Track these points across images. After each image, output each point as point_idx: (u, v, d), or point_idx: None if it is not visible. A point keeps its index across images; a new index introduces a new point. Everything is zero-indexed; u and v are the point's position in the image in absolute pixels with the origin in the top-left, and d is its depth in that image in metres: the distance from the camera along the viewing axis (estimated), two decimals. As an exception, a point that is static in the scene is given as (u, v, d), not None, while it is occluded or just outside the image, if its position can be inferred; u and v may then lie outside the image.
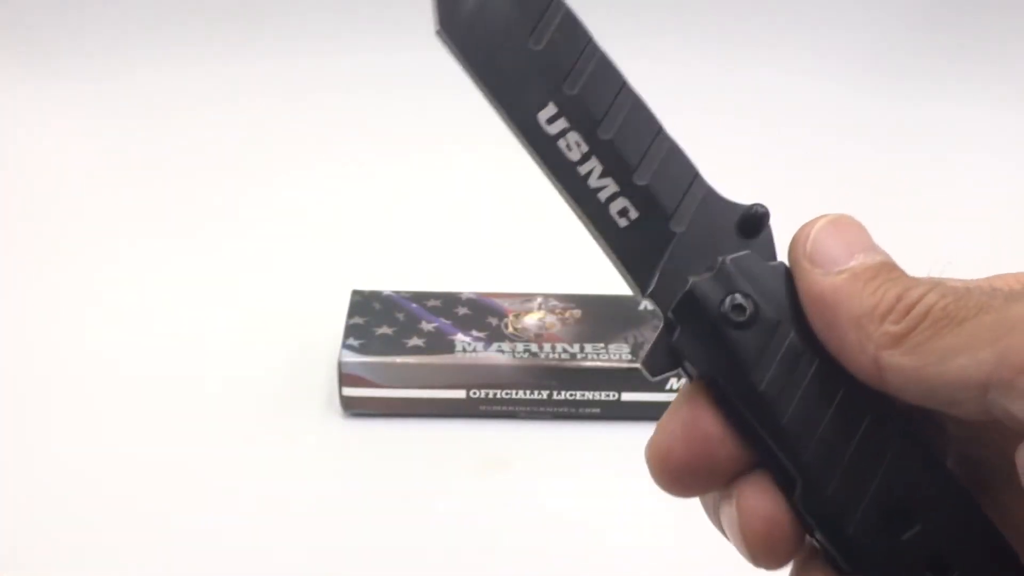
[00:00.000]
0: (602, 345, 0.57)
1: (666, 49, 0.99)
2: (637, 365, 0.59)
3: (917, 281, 0.23)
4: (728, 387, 0.24)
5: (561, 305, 0.60)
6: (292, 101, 0.93)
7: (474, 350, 0.56)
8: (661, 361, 0.25)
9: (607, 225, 0.25)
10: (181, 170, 0.83)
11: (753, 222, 0.25)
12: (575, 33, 0.25)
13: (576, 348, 0.56)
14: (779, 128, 0.91)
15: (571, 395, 0.56)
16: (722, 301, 0.24)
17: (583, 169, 0.25)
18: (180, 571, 0.48)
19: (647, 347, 0.26)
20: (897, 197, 0.80)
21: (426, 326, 0.58)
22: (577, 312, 0.59)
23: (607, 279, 0.68)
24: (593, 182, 0.25)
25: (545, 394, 0.56)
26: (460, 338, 0.57)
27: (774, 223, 0.25)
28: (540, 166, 0.25)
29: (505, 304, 0.60)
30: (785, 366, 0.24)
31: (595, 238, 0.25)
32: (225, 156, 0.84)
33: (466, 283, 0.62)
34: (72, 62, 0.93)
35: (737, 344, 0.24)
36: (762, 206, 0.25)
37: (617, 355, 0.56)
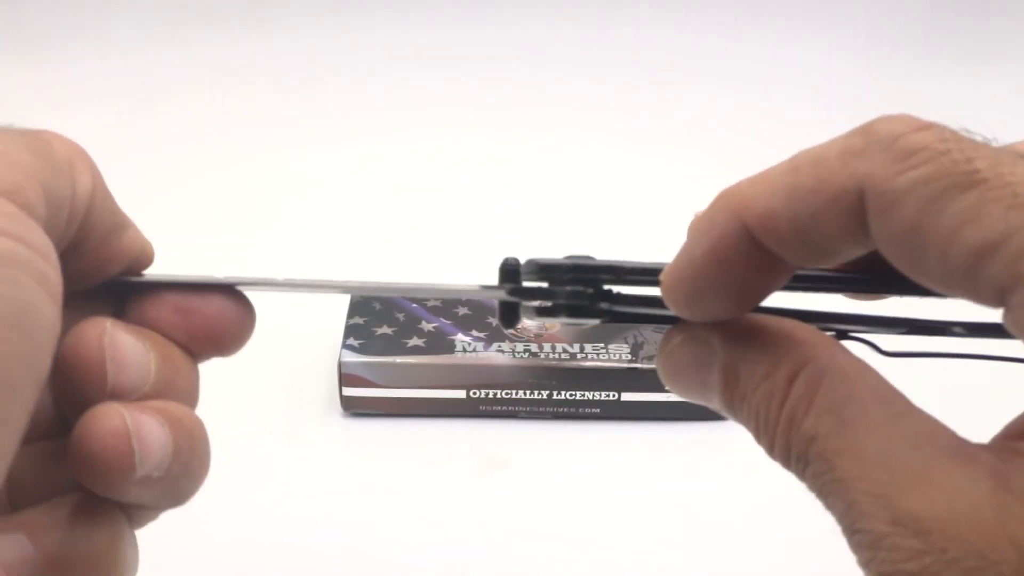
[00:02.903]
0: (602, 345, 0.57)
1: (678, 23, 1.00)
2: (637, 365, 0.59)
3: None
4: None
5: (561, 305, 0.60)
6: (290, 98, 0.93)
7: (474, 350, 0.56)
8: None
9: None
10: (178, 167, 0.83)
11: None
12: None
13: (576, 348, 0.56)
14: (789, 107, 0.91)
15: (571, 395, 0.56)
16: None
17: None
18: (179, 570, 0.48)
19: None
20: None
21: (426, 326, 0.58)
22: (577, 312, 0.59)
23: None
24: None
25: (545, 394, 0.56)
26: (460, 338, 0.57)
27: None
28: None
29: (505, 304, 0.60)
30: None
31: None
32: (223, 153, 0.84)
33: (466, 283, 0.62)
34: (61, 52, 0.93)
35: None
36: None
37: (617, 355, 0.56)
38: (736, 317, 0.24)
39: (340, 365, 0.55)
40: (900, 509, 0.19)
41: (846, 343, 0.24)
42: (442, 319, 0.58)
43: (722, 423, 0.56)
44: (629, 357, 0.56)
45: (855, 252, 0.21)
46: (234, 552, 0.49)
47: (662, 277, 0.24)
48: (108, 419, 0.23)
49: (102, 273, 0.26)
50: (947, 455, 0.20)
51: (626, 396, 0.56)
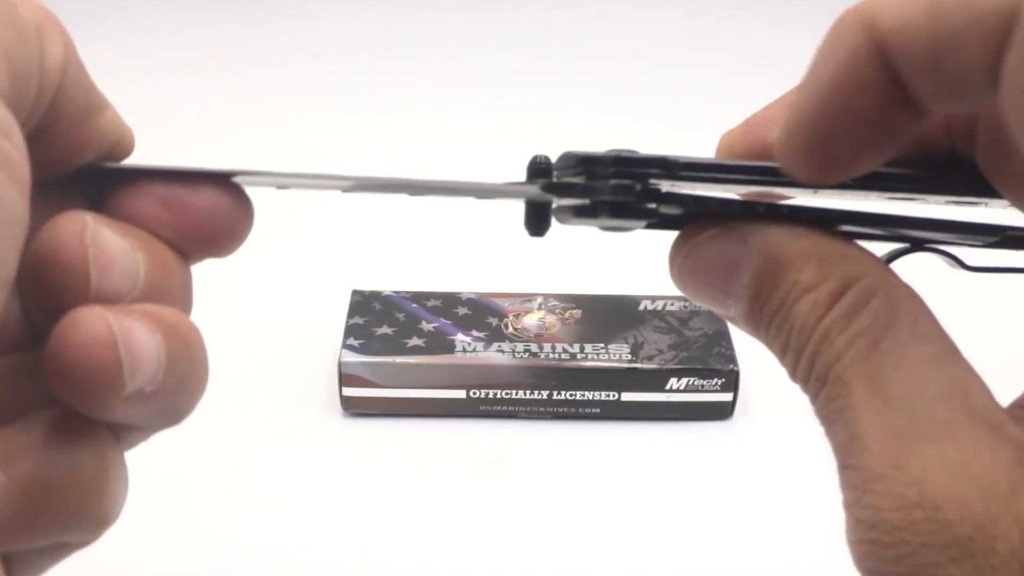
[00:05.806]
0: (602, 345, 0.57)
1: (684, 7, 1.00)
2: (637, 365, 0.59)
3: None
4: None
5: (561, 305, 0.60)
6: (291, 96, 0.93)
7: (474, 350, 0.56)
8: None
9: None
10: (175, 157, 0.83)
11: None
12: None
13: (576, 348, 0.56)
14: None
15: (571, 395, 0.56)
16: None
17: None
18: (179, 569, 0.48)
19: None
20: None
21: (426, 326, 0.58)
22: (577, 312, 0.59)
23: (607, 279, 0.69)
24: None
25: (545, 394, 0.56)
26: (460, 338, 0.57)
27: None
28: None
29: (505, 304, 0.60)
30: None
31: None
32: (223, 152, 0.84)
33: (466, 283, 0.62)
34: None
35: None
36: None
37: (617, 355, 0.56)
38: (837, 179, 0.20)
39: (340, 365, 0.55)
40: (909, 454, 0.18)
41: (907, 258, 0.22)
42: (442, 319, 0.58)
43: (722, 423, 0.56)
44: (629, 357, 0.56)
45: (990, 96, 0.18)
46: (233, 552, 0.49)
47: (776, 132, 0.20)
48: (91, 324, 0.19)
49: (75, 161, 0.22)
50: (977, 415, 0.18)
51: (626, 396, 0.56)
